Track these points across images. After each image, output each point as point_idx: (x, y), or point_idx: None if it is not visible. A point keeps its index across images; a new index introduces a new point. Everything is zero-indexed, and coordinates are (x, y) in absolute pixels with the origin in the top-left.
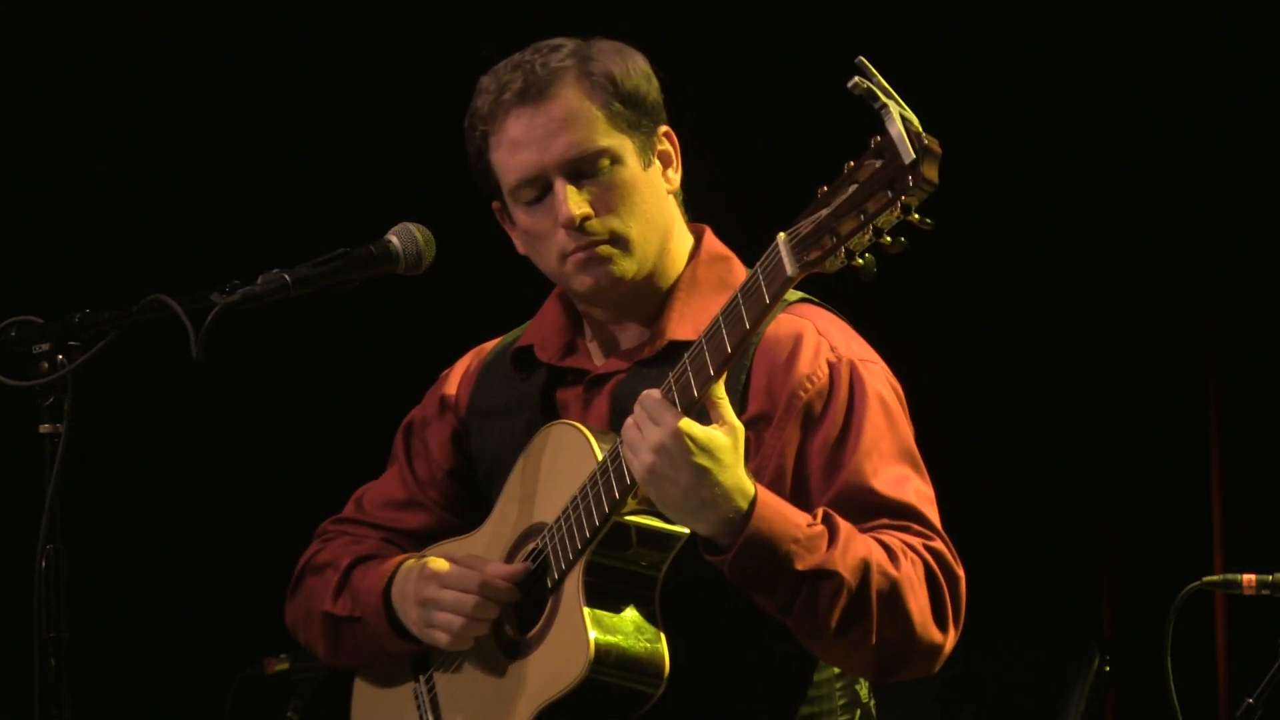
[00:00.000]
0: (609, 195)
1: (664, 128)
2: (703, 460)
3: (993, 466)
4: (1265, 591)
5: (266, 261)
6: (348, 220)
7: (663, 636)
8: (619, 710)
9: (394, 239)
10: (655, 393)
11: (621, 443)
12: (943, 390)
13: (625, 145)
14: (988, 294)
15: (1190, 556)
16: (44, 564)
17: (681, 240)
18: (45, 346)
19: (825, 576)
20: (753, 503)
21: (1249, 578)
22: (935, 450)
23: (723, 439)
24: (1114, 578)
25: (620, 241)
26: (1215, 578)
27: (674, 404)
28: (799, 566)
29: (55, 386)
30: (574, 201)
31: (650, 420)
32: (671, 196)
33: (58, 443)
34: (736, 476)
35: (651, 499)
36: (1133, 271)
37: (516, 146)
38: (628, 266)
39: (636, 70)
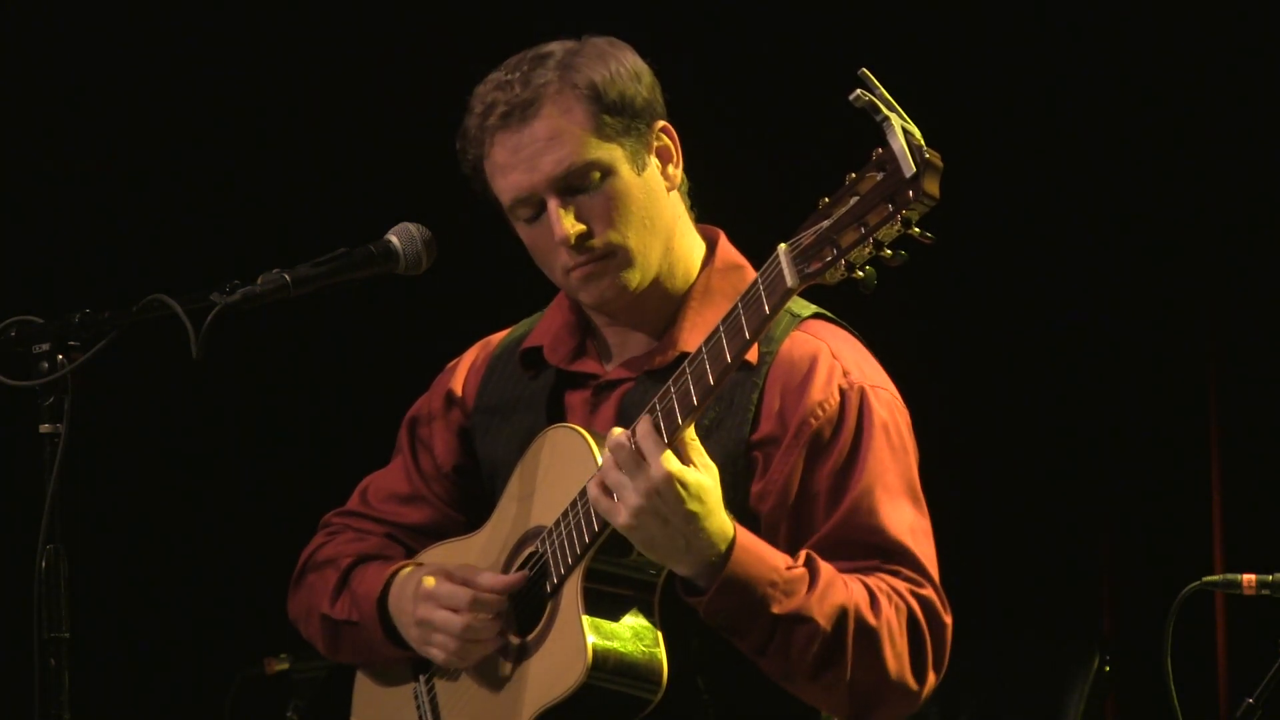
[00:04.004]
0: (603, 208)
1: (660, 123)
2: (693, 506)
3: (993, 467)
4: (1265, 591)
5: (266, 261)
6: (348, 220)
7: (662, 642)
8: (617, 715)
9: (394, 239)
10: (645, 426)
11: (585, 495)
12: (943, 390)
13: (615, 154)
14: (989, 294)
15: (1190, 556)
16: (44, 564)
17: (688, 240)
18: (45, 346)
19: (800, 622)
20: (731, 545)
21: (1249, 578)
22: (936, 451)
23: (709, 482)
24: (1114, 578)
25: (620, 253)
26: (1215, 578)
27: (675, 419)
28: (775, 610)
29: (55, 386)
30: (567, 221)
31: (639, 459)
32: (674, 193)
33: (58, 443)
34: (720, 520)
35: (633, 540)
36: (1133, 272)
37: (506, 169)
38: (631, 277)
39: (623, 72)
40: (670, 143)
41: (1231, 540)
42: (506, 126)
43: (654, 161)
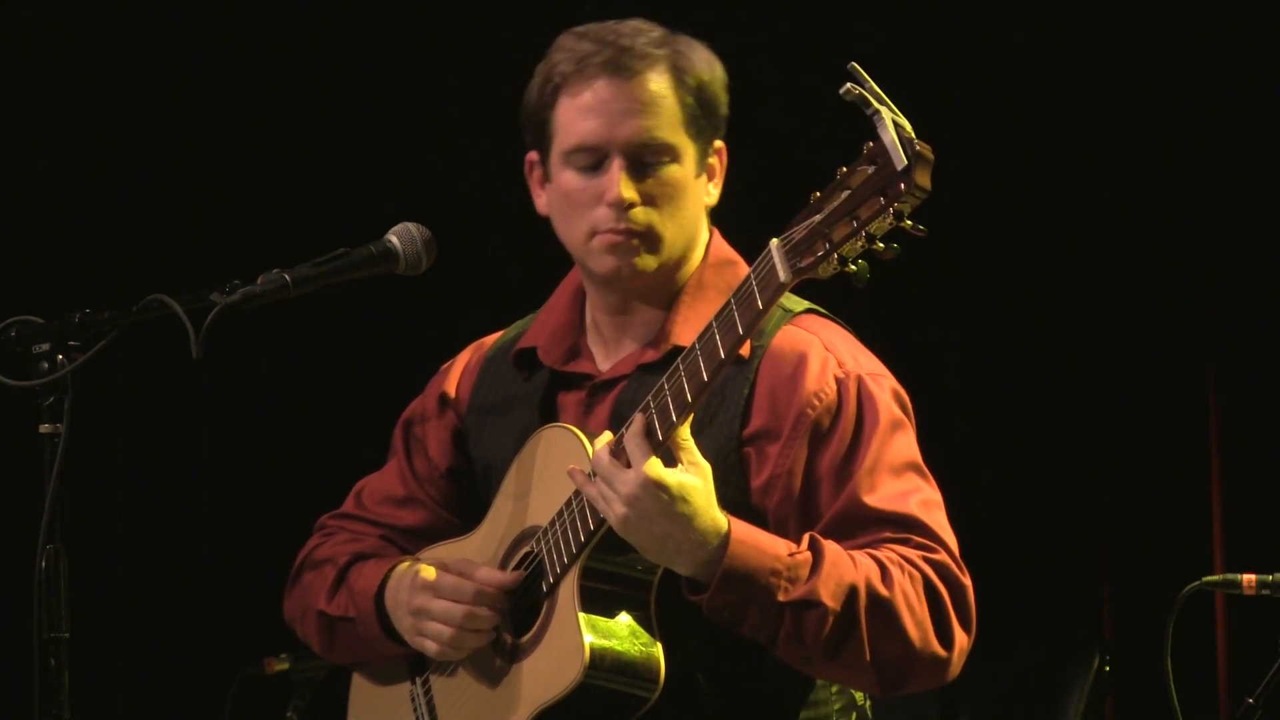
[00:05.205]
0: (659, 191)
1: (719, 142)
2: (679, 508)
3: (993, 466)
4: (1265, 591)
5: (266, 261)
6: (348, 220)
7: (659, 640)
8: (614, 714)
9: (394, 239)
10: (637, 426)
11: (580, 494)
12: (942, 390)
13: (688, 148)
14: (989, 293)
15: (1190, 556)
16: (44, 564)
17: (697, 251)
18: (45, 346)
19: (809, 606)
20: (725, 540)
21: (1249, 578)
22: (935, 451)
23: (694, 481)
24: (1114, 578)
25: (653, 238)
26: (1215, 578)
27: (670, 416)
28: (781, 598)
29: (55, 386)
30: (626, 185)
31: (621, 469)
32: (705, 210)
33: (58, 443)
34: (711, 517)
35: (628, 542)
36: (1133, 271)
37: (589, 113)
38: (650, 262)
39: (719, 79)
40: (719, 164)
41: (1231, 540)
42: (611, 74)
43: (704, 174)
